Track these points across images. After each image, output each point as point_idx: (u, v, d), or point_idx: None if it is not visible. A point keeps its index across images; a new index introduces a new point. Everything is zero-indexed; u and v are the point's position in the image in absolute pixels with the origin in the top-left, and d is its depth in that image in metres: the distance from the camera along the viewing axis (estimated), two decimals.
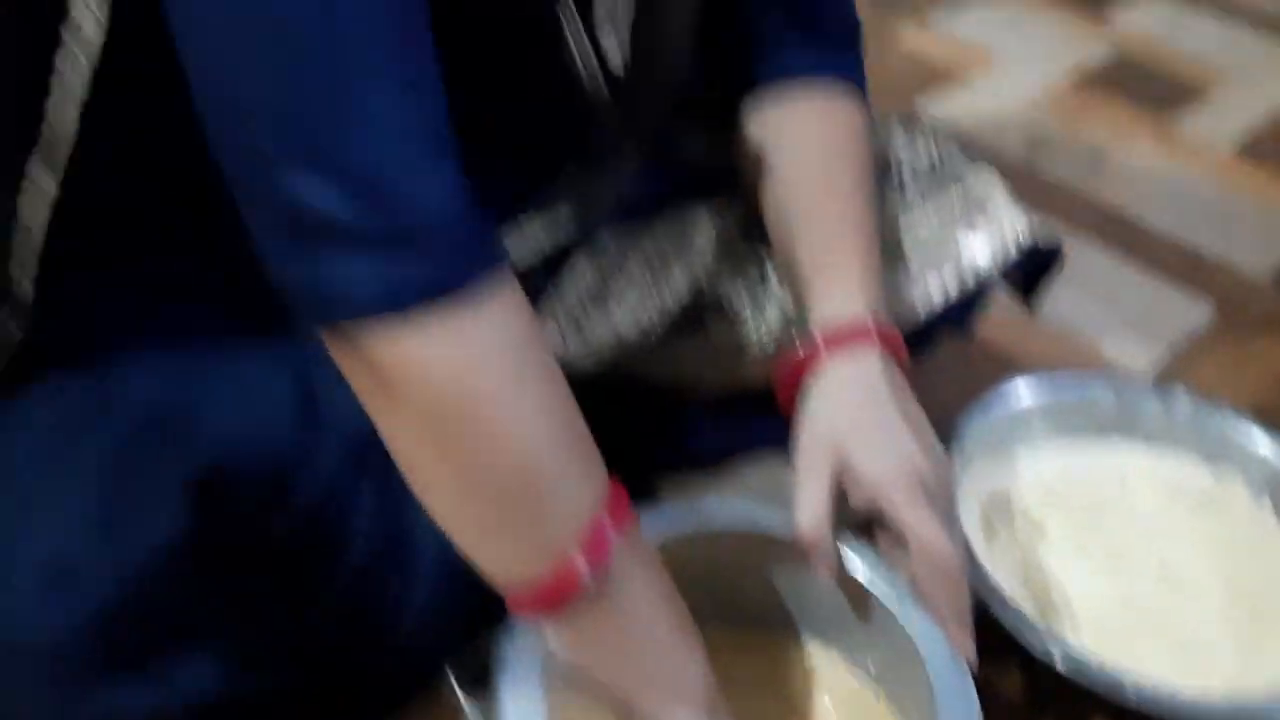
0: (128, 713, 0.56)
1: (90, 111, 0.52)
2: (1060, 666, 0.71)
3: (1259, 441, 0.87)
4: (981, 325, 0.97)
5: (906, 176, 0.79)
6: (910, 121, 0.82)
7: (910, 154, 0.80)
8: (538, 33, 0.62)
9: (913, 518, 0.59)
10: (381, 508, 0.61)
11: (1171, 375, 1.10)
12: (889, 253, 0.77)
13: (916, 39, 1.64)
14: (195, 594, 0.57)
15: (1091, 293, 1.20)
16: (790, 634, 0.68)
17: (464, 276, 0.46)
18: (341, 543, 0.59)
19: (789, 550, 0.62)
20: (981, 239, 0.76)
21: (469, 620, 0.62)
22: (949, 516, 0.61)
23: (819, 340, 0.64)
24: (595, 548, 0.50)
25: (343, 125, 0.44)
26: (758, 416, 0.72)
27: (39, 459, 0.57)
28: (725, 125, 0.75)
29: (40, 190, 0.55)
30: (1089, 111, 1.52)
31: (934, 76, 1.56)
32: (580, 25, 0.62)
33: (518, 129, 0.66)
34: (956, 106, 1.50)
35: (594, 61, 0.64)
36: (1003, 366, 1.10)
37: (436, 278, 0.45)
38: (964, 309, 0.80)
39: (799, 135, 0.72)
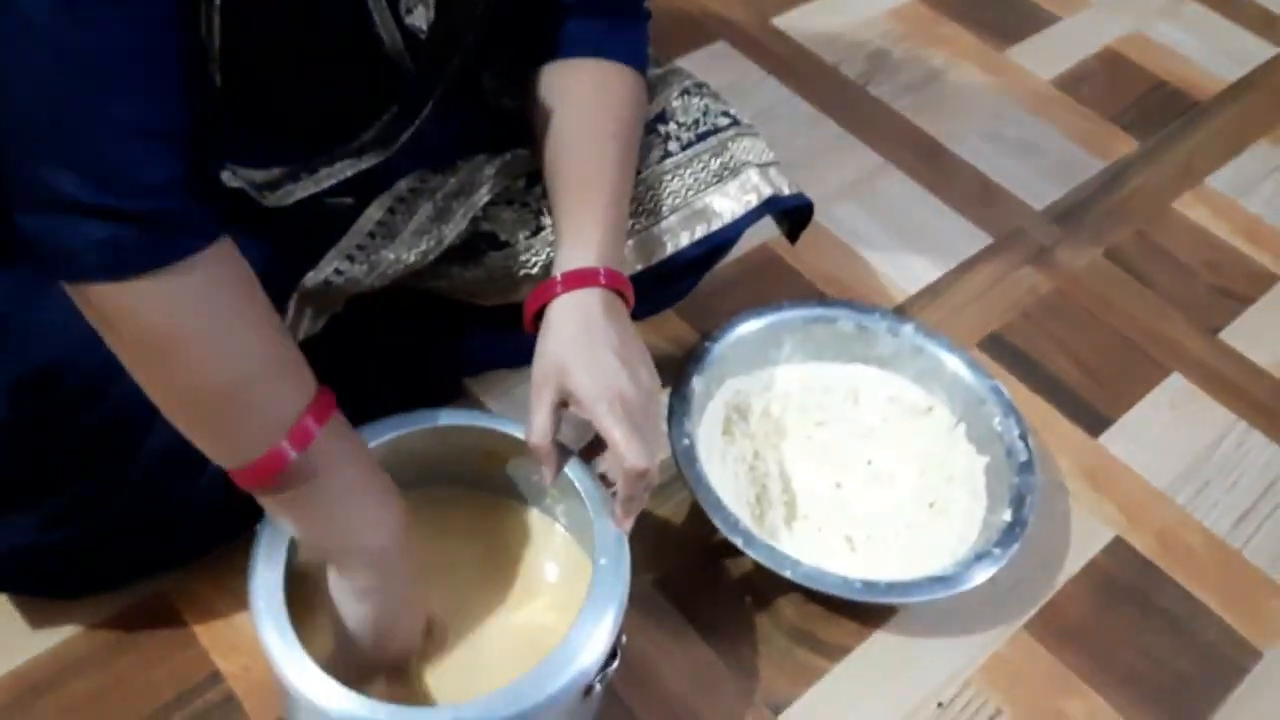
0: None
1: None
2: (740, 545, 0.90)
3: (964, 373, 1.05)
4: (781, 244, 1.13)
5: (674, 131, 0.93)
6: (689, 84, 0.95)
7: (683, 113, 0.94)
8: (353, 17, 0.75)
9: (611, 428, 0.74)
10: None
11: (937, 293, 1.27)
12: (649, 203, 0.92)
13: None
14: (11, 469, 0.73)
15: (886, 215, 1.35)
16: (510, 497, 0.88)
17: (173, 251, 0.60)
18: (146, 427, 0.74)
19: (519, 444, 0.79)
20: (726, 200, 0.91)
21: None
22: (646, 429, 0.77)
23: (558, 279, 0.79)
24: (299, 438, 0.66)
25: (88, 131, 0.57)
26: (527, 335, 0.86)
27: None
28: (515, 78, 0.88)
29: None
30: (932, 33, 1.64)
31: None
32: (385, 6, 0.75)
33: (332, 88, 0.80)
34: (813, 18, 1.62)
35: (396, 33, 0.77)
36: (793, 279, 1.26)
37: (148, 251, 0.60)
38: (711, 255, 0.95)
39: (577, 104, 0.85)
